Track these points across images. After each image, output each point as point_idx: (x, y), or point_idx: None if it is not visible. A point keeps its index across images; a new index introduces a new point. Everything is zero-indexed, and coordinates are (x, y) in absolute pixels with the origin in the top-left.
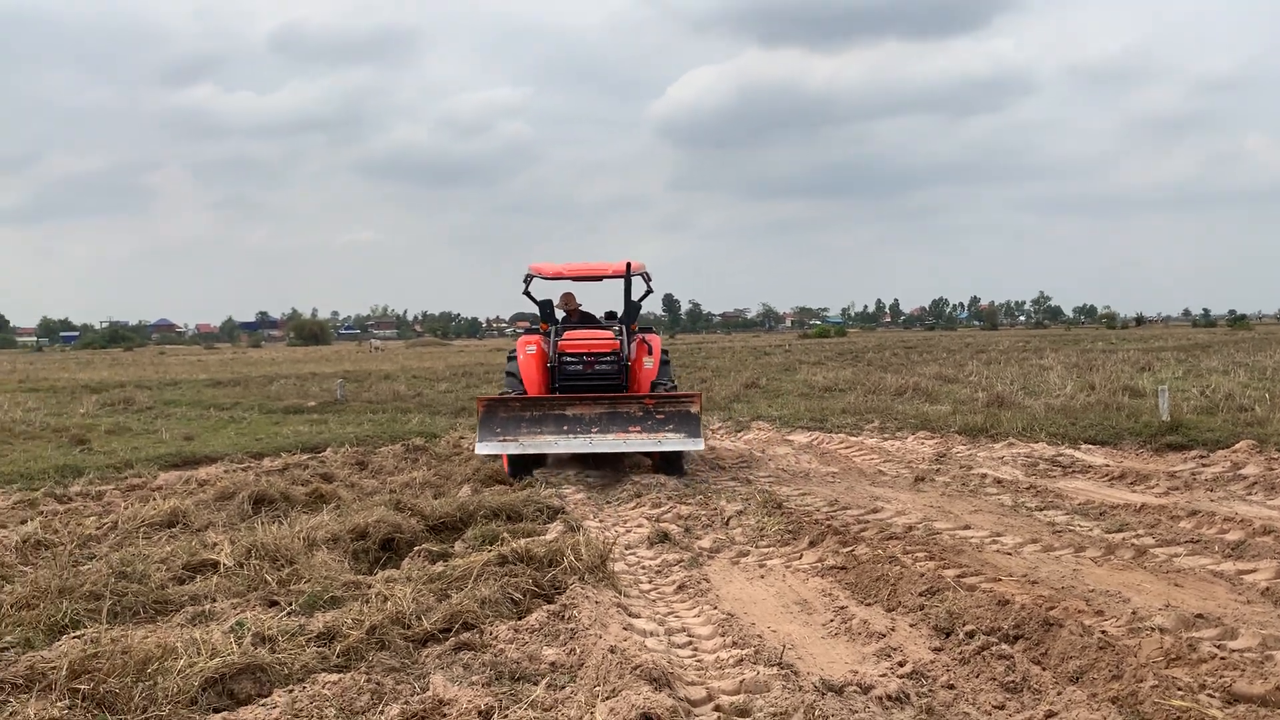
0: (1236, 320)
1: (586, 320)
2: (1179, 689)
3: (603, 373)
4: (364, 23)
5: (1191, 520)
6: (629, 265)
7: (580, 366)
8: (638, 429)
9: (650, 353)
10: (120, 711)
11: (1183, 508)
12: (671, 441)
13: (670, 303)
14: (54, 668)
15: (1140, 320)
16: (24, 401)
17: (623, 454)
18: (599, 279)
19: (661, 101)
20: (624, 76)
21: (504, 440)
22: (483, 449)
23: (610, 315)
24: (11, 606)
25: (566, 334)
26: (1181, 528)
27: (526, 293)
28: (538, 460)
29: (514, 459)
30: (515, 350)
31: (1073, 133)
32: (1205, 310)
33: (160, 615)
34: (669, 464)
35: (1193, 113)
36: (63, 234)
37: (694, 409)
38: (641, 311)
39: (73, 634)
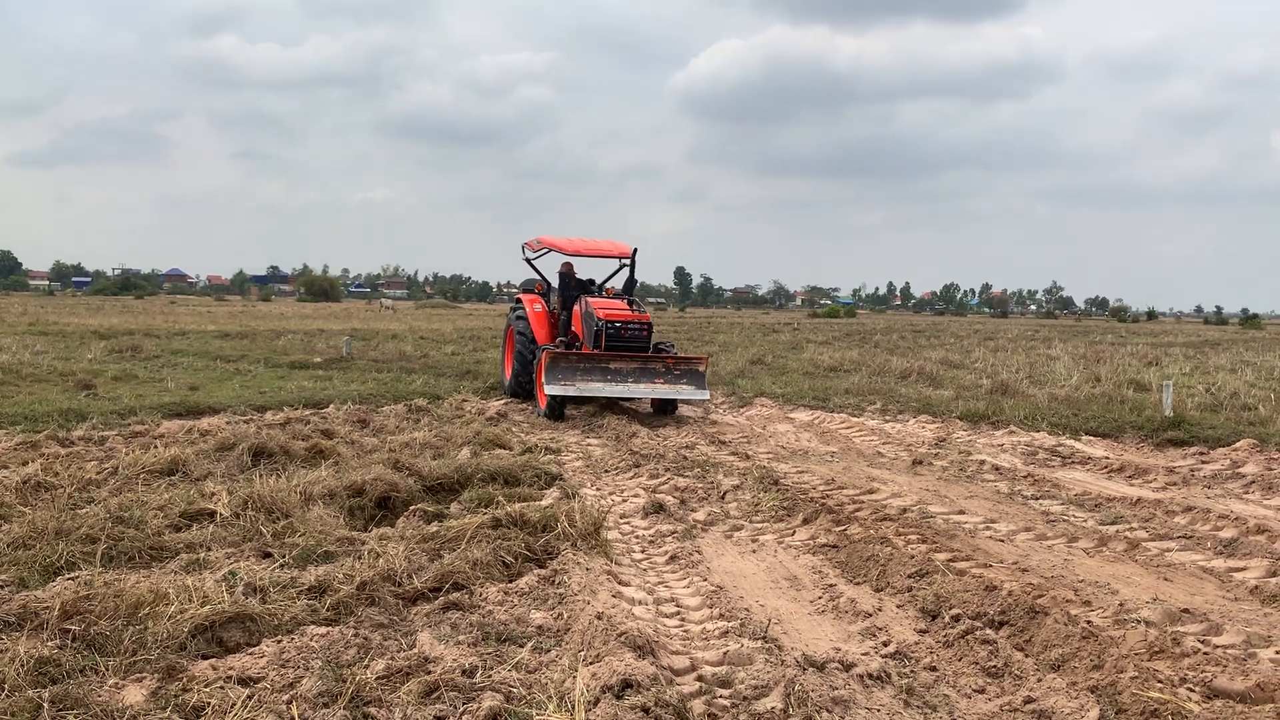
0: (1249, 319)
1: (584, 288)
2: (1159, 681)
3: (634, 337)
4: None
5: (1186, 516)
6: (635, 250)
7: (620, 330)
8: (661, 380)
9: None
10: (110, 654)
11: (1179, 503)
12: (686, 391)
13: (682, 275)
14: (46, 607)
15: (1152, 314)
16: (33, 344)
17: (630, 400)
18: (607, 258)
19: (684, 73)
20: (647, 46)
21: (565, 384)
22: (550, 389)
23: (591, 281)
24: (8, 546)
25: (598, 303)
26: (1176, 523)
27: (528, 260)
28: (566, 405)
29: (551, 403)
30: (522, 305)
31: (1095, 123)
32: (1218, 307)
33: (155, 561)
34: (664, 407)
35: (1217, 108)
36: (79, 179)
37: (701, 368)
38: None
39: (67, 575)
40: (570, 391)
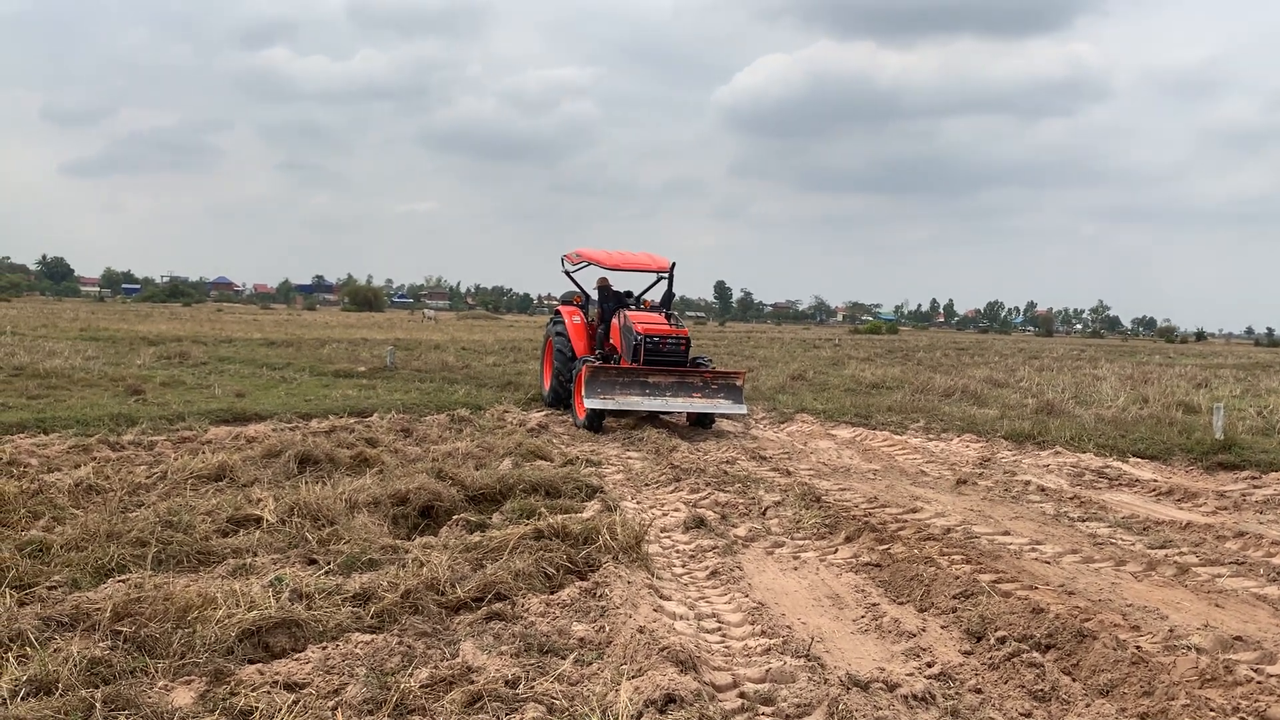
0: None
1: (621, 300)
2: (1211, 710)
3: (673, 351)
4: None
5: (1238, 541)
6: (673, 265)
7: (659, 345)
8: (699, 395)
9: None
10: (159, 656)
11: (1230, 528)
12: (724, 406)
13: (722, 290)
14: (98, 609)
15: (1200, 335)
16: (84, 349)
17: (669, 414)
18: (645, 272)
19: (727, 88)
20: (692, 62)
21: (604, 398)
22: (590, 403)
23: (629, 294)
24: (61, 547)
25: (636, 317)
26: (1227, 548)
27: (567, 272)
28: (604, 418)
29: (590, 415)
30: (561, 316)
31: (1144, 141)
32: (1269, 329)
33: (202, 566)
34: (702, 420)
35: (1271, 126)
36: (131, 188)
37: (739, 383)
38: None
39: (118, 578)
40: (609, 405)
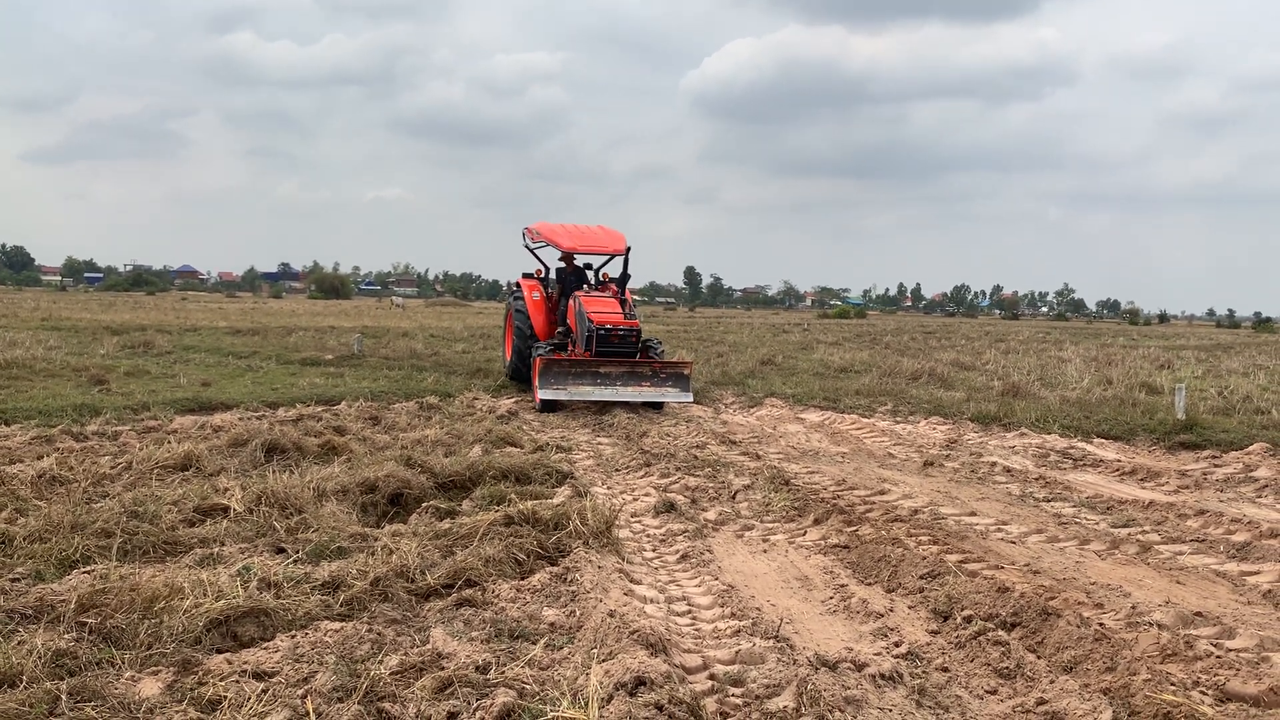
0: (1262, 323)
1: (581, 275)
2: (1172, 684)
3: (624, 342)
4: None
5: (1199, 519)
6: (628, 248)
7: (609, 336)
8: (648, 384)
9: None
10: (125, 647)
11: (1191, 506)
12: (671, 394)
13: (691, 275)
14: (63, 600)
15: (1164, 317)
16: (46, 340)
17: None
18: (603, 254)
19: (697, 73)
20: (661, 46)
21: (556, 389)
22: (543, 394)
23: (588, 267)
24: (25, 539)
25: (591, 304)
26: (1188, 526)
27: (528, 246)
28: (560, 403)
29: (543, 405)
30: (522, 290)
31: (1109, 126)
32: (1230, 311)
33: (169, 556)
34: (653, 405)
35: (1232, 111)
36: (93, 175)
37: (686, 372)
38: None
39: (83, 569)
40: (561, 396)
